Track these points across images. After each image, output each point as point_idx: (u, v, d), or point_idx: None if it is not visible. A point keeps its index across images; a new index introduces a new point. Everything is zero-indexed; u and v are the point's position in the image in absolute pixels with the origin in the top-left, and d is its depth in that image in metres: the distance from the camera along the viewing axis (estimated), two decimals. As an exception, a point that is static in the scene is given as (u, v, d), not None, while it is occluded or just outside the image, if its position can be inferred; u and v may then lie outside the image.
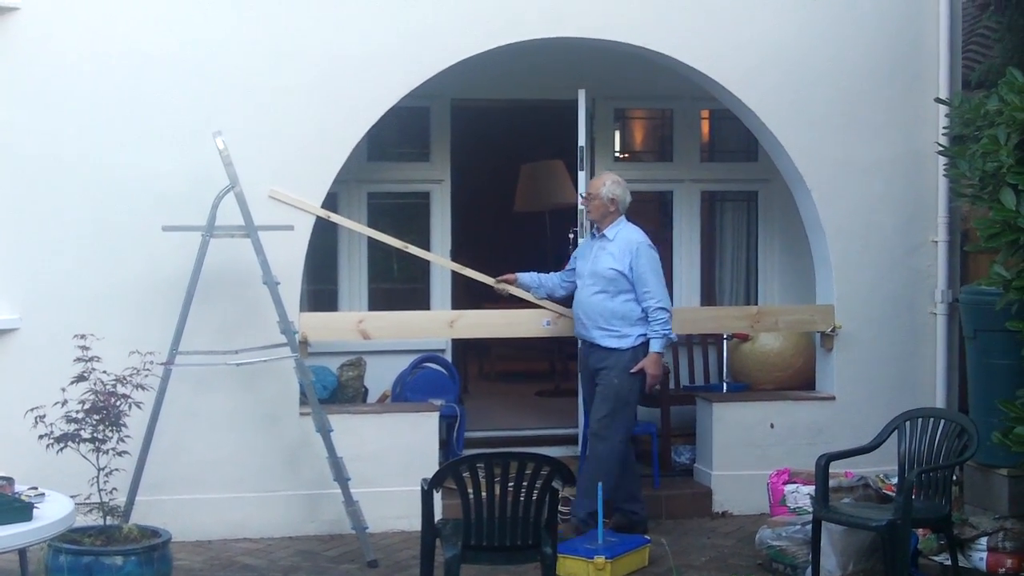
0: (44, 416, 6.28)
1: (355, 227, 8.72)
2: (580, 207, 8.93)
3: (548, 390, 11.95)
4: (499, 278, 8.36)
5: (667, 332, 7.85)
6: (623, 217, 8.04)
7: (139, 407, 6.65)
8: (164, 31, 7.92)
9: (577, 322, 8.10)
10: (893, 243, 8.95)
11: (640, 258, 7.85)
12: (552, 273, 8.44)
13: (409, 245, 8.58)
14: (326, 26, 8.11)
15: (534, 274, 8.45)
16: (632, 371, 7.81)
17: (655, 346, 7.82)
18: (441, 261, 9.04)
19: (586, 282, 8.00)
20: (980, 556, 7.22)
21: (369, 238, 9.04)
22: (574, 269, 8.23)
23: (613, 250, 7.91)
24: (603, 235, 8.01)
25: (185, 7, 7.96)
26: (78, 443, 6.36)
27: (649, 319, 7.82)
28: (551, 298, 8.41)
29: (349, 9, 8.15)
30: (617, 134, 10.78)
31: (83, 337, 6.52)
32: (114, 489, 6.55)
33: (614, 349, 7.86)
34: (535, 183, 13.17)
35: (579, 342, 8.27)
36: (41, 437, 6.28)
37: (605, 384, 7.87)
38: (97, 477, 6.40)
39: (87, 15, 7.83)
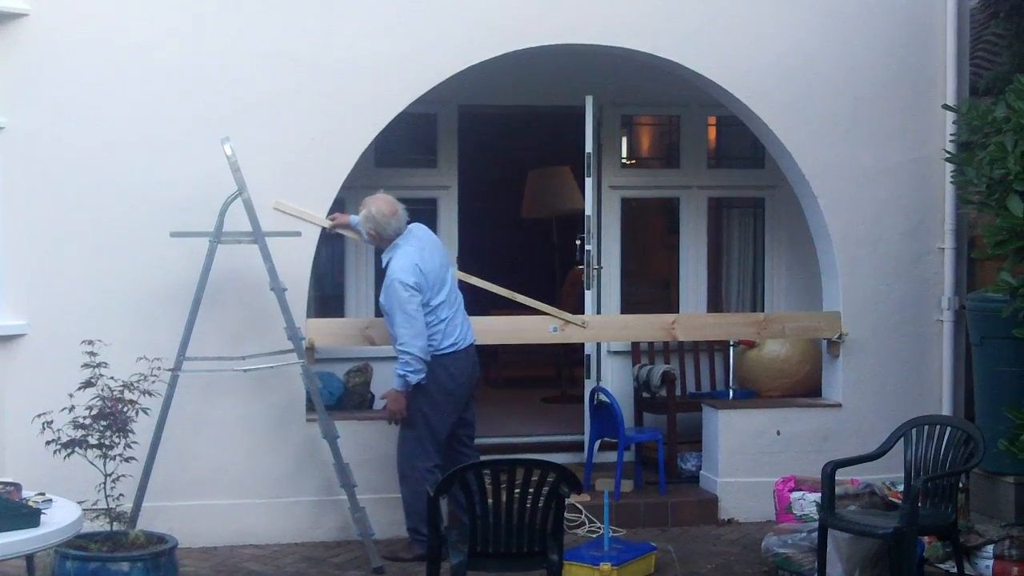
0: (51, 422, 6.29)
1: (357, 238, 8.63)
2: (587, 213, 8.95)
3: (554, 397, 11.95)
4: (331, 218, 8.15)
5: (405, 373, 7.47)
6: (398, 242, 7.65)
7: (146, 413, 6.65)
8: (172, 37, 7.93)
9: None
10: (900, 250, 8.94)
11: (387, 297, 7.54)
12: None
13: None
14: (334, 33, 8.13)
15: None
16: (380, 397, 7.66)
17: (395, 383, 7.56)
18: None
19: None
20: (986, 564, 7.21)
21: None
22: None
23: (384, 281, 7.64)
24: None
25: (193, 14, 7.98)
26: (85, 449, 6.37)
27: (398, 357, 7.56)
28: None
29: (357, 16, 8.16)
30: (624, 140, 10.79)
31: (91, 343, 6.53)
32: (121, 495, 6.56)
33: None
34: (542, 189, 13.18)
35: None
36: (48, 443, 6.29)
37: None
38: (104, 483, 6.41)
39: (96, 21, 7.85)
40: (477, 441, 9.07)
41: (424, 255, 7.64)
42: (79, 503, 5.76)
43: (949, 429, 7.16)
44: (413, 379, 7.48)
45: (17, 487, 5.61)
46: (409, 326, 7.46)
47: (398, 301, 7.47)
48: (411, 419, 7.64)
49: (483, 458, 6.95)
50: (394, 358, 8.35)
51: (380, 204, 7.71)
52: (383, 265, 7.71)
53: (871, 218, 8.88)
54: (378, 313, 9.55)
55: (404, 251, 7.62)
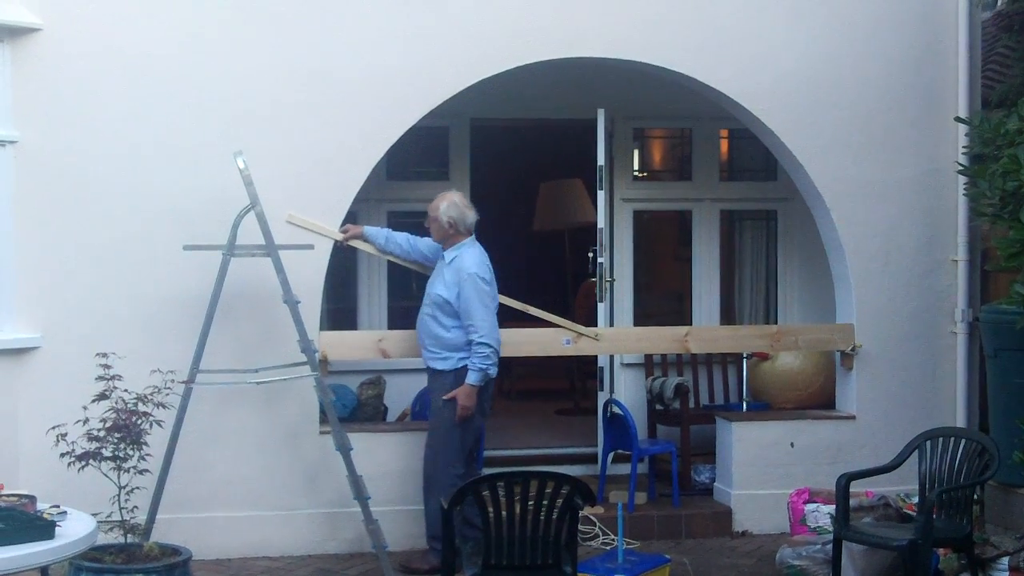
0: (66, 434, 6.29)
1: (371, 250, 8.61)
2: (600, 226, 8.96)
3: (568, 409, 11.95)
4: (344, 230, 8.18)
5: (486, 367, 7.59)
6: (467, 240, 7.82)
7: (160, 425, 6.66)
8: (183, 51, 7.96)
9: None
10: (913, 262, 8.93)
11: (466, 289, 7.60)
12: (404, 233, 8.24)
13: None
14: (346, 47, 8.15)
15: (381, 229, 8.33)
16: (445, 397, 7.66)
17: (471, 378, 7.58)
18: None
19: (424, 302, 7.89)
20: (1002, 576, 7.20)
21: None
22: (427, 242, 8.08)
23: (447, 276, 7.72)
24: (443, 256, 7.85)
25: (205, 28, 8.01)
26: (99, 461, 6.38)
27: (472, 350, 7.62)
28: (395, 256, 8.28)
29: (369, 30, 8.19)
30: (636, 153, 10.80)
31: (104, 355, 6.54)
32: (135, 507, 6.56)
33: (439, 371, 7.73)
34: (554, 202, 13.19)
35: None
36: (63, 455, 6.30)
37: (433, 408, 7.79)
38: (118, 495, 6.41)
39: (108, 35, 7.88)
40: (490, 453, 9.12)
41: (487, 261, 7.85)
42: (93, 515, 5.77)
43: (963, 441, 7.15)
44: (493, 372, 7.64)
45: (32, 499, 5.62)
46: (488, 318, 7.63)
47: (477, 294, 7.61)
48: (449, 427, 7.67)
49: (498, 471, 6.94)
50: (407, 371, 8.44)
51: (460, 197, 7.91)
52: (447, 260, 7.78)
53: (884, 230, 8.87)
54: (391, 325, 9.62)
55: (473, 251, 7.80)
